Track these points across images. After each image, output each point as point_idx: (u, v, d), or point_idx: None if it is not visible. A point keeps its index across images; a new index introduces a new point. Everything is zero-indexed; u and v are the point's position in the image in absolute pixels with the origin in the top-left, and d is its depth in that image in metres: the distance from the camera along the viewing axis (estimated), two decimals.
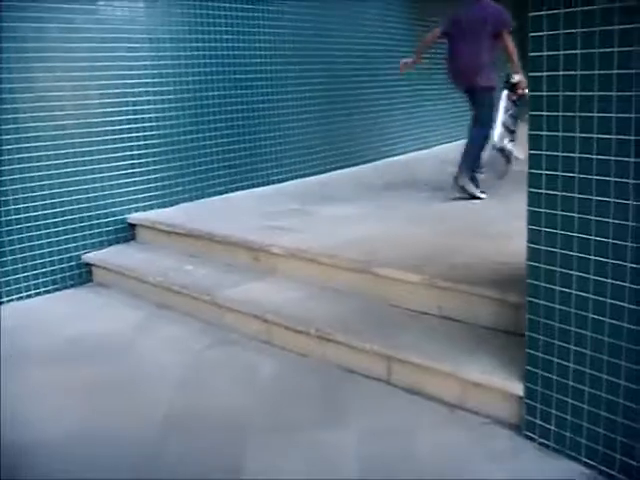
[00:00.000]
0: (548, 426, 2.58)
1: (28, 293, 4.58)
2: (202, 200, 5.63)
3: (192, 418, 2.97)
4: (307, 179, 6.64)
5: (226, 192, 5.85)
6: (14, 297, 4.51)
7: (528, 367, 2.61)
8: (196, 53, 5.47)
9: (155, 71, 5.18)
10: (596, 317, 2.34)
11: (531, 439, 2.65)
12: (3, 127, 4.32)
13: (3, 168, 4.35)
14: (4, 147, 4.34)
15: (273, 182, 6.32)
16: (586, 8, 2.17)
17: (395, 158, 8.11)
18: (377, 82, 7.80)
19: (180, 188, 5.47)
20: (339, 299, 3.74)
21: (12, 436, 2.85)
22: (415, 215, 4.87)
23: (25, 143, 4.44)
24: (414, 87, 8.63)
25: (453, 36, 5.45)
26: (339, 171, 7.10)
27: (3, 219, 4.39)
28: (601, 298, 2.31)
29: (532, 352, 2.58)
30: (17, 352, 3.71)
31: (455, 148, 9.14)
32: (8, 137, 4.35)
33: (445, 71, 5.63)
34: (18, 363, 3.57)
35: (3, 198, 4.37)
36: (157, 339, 3.87)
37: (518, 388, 2.69)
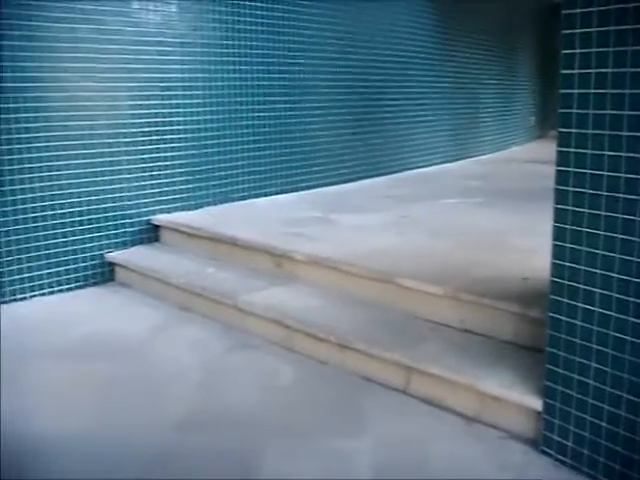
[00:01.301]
0: (565, 442, 2.58)
1: (51, 289, 4.63)
2: (226, 204, 5.67)
3: (209, 420, 2.99)
4: (331, 188, 6.67)
5: (250, 197, 5.89)
6: (37, 293, 4.57)
7: (547, 382, 2.62)
8: (226, 59, 5.52)
9: (185, 75, 5.24)
10: (618, 335, 2.34)
11: (548, 454, 2.65)
12: (34, 125, 4.38)
13: (32, 165, 4.41)
14: (34, 145, 4.40)
15: (297, 189, 6.36)
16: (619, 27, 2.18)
17: (419, 170, 8.13)
18: (404, 94, 7.83)
19: (205, 192, 5.51)
20: (360, 308, 3.75)
21: (27, 430, 2.89)
22: (438, 227, 4.88)
23: (54, 141, 4.51)
24: (440, 100, 8.65)
25: None
26: (363, 181, 7.12)
27: (30, 216, 4.45)
28: (623, 316, 2.31)
29: (552, 368, 2.59)
30: (37, 347, 3.76)
31: (476, 164, 9.21)
32: (38, 135, 4.42)
33: None
34: (37, 358, 3.62)
35: (31, 195, 4.43)
36: (177, 340, 3.90)
37: (536, 403, 2.69)
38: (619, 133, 2.24)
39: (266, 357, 3.65)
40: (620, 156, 2.25)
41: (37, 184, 4.45)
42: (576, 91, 2.33)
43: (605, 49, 2.23)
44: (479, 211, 5.55)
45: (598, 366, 2.43)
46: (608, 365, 2.40)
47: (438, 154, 8.79)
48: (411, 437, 2.86)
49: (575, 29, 2.29)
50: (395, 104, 7.72)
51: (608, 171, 2.29)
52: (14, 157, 4.32)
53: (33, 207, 4.46)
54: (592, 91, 2.29)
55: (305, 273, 4.20)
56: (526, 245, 4.11)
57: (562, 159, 2.42)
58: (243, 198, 5.83)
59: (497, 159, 9.90)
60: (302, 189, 6.42)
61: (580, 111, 2.33)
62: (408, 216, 5.31)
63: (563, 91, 2.38)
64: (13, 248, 4.42)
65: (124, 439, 2.83)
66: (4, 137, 4.27)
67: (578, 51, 2.30)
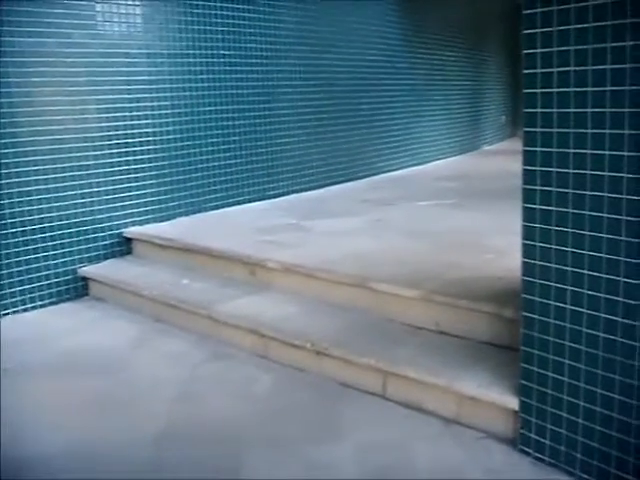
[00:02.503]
0: (543, 440, 2.59)
1: (24, 307, 4.58)
2: (199, 215, 5.64)
3: (188, 432, 2.97)
4: (303, 194, 6.66)
5: (222, 207, 5.86)
6: (10, 310, 4.51)
7: (523, 381, 2.62)
8: (192, 68, 5.50)
9: (152, 86, 5.21)
10: (590, 332, 2.36)
11: (526, 453, 2.66)
12: (1, 141, 4.33)
13: (2, 182, 4.36)
14: (2, 161, 4.35)
15: (269, 197, 6.34)
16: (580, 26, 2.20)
17: (391, 174, 8.14)
18: (373, 98, 7.84)
19: (176, 202, 5.48)
20: (335, 314, 3.75)
21: (7, 451, 2.84)
22: (411, 230, 4.89)
23: (23, 157, 4.46)
24: (409, 103, 8.69)
25: None
26: (335, 186, 7.11)
27: (0, 232, 4.40)
28: (595, 313, 2.33)
29: (527, 366, 2.60)
30: (13, 365, 3.70)
31: (449, 164, 9.25)
32: (6, 151, 4.36)
33: None
34: (14, 376, 3.57)
35: (0, 212, 4.38)
36: (153, 353, 3.87)
37: (513, 402, 2.70)
38: (583, 131, 2.26)
39: (243, 366, 3.63)
40: (585, 153, 2.26)
41: (6, 200, 4.40)
42: (539, 90, 2.35)
43: (566, 48, 2.24)
44: (453, 212, 5.58)
45: (572, 363, 2.44)
46: (582, 362, 2.41)
47: (412, 156, 8.82)
48: (391, 441, 2.85)
49: (536, 29, 2.31)
50: (367, 108, 7.73)
51: (574, 169, 2.30)
52: None
53: (3, 224, 4.40)
54: (555, 90, 2.30)
55: (279, 281, 4.19)
56: (500, 245, 4.12)
57: (528, 158, 2.44)
58: (215, 207, 5.80)
59: (469, 159, 9.96)
60: (275, 196, 6.41)
61: (544, 110, 2.35)
62: (383, 219, 5.32)
63: (527, 90, 2.40)
64: None
65: (103, 455, 2.80)
66: None
67: (539, 51, 2.31)
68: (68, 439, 2.93)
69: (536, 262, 2.48)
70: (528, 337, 2.57)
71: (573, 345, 2.42)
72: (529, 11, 2.32)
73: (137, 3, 5.06)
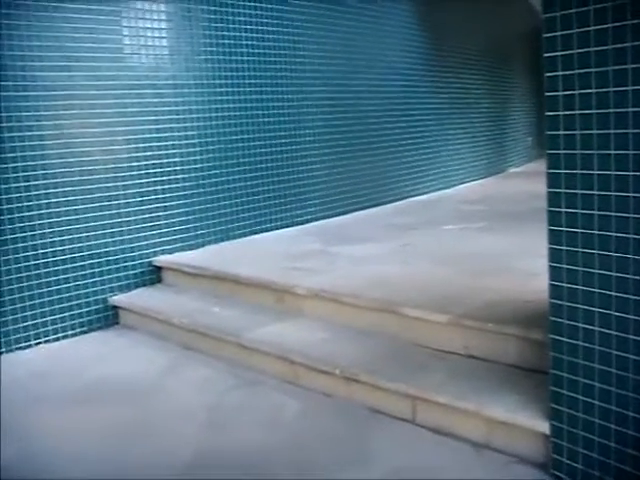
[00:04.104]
0: (575, 465, 2.56)
1: (56, 336, 4.63)
2: (227, 242, 5.68)
3: (217, 460, 2.97)
4: (330, 220, 6.68)
5: (250, 234, 5.90)
6: (42, 339, 4.56)
7: (553, 405, 2.60)
8: (218, 98, 5.57)
9: (179, 116, 5.28)
10: (619, 353, 2.34)
11: (558, 478, 2.63)
12: (32, 173, 4.42)
13: (32, 213, 4.44)
14: (33, 193, 4.44)
15: (297, 223, 6.37)
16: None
17: (417, 198, 8.14)
18: (399, 122, 7.87)
19: (205, 230, 5.53)
20: (364, 339, 3.74)
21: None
22: (438, 254, 4.88)
23: (53, 188, 4.54)
24: (434, 127, 8.70)
25: None
26: (362, 212, 7.13)
27: (32, 263, 4.47)
28: (623, 334, 2.31)
29: (557, 390, 2.57)
30: (43, 394, 3.75)
31: (475, 187, 9.23)
32: (37, 183, 4.45)
33: None
34: (44, 405, 3.61)
35: (32, 242, 4.45)
36: (183, 380, 3.89)
37: (544, 426, 2.67)
38: (607, 152, 2.25)
39: (272, 393, 3.63)
40: (609, 175, 2.26)
41: (38, 231, 4.47)
42: (561, 113, 2.35)
43: (587, 70, 2.25)
44: (481, 236, 5.56)
45: (602, 386, 2.41)
46: (612, 384, 2.39)
47: (438, 180, 8.82)
48: (421, 467, 2.84)
49: (556, 52, 2.32)
50: (393, 132, 7.76)
51: (598, 190, 2.30)
52: (13, 205, 4.35)
53: (35, 254, 4.48)
54: (577, 112, 2.31)
55: (307, 307, 4.20)
56: (528, 267, 4.10)
57: (553, 180, 2.44)
58: (243, 235, 5.84)
59: (496, 182, 9.93)
60: (302, 222, 6.44)
61: (567, 132, 2.35)
62: (410, 244, 5.31)
63: (549, 113, 2.41)
64: (16, 296, 4.43)
65: None
66: (3, 186, 4.30)
67: (561, 73, 2.32)
68: (95, 467, 2.95)
69: (563, 284, 2.47)
70: (557, 360, 2.55)
71: (603, 367, 2.40)
72: (549, 34, 2.34)
73: (164, 35, 5.16)
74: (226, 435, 3.20)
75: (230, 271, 4.69)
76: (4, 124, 4.28)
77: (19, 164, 4.36)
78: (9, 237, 4.36)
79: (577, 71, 2.28)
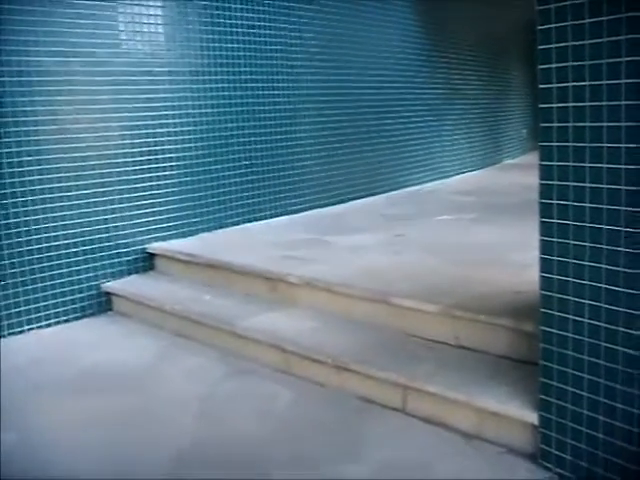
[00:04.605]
0: (564, 455, 2.58)
1: (48, 322, 4.63)
2: (220, 230, 5.68)
3: (210, 449, 2.98)
4: (324, 209, 6.68)
5: (244, 222, 5.91)
6: (34, 325, 4.57)
7: (542, 396, 2.62)
8: (214, 85, 5.56)
9: (174, 103, 5.28)
10: (609, 345, 2.35)
11: (547, 469, 2.65)
12: (26, 159, 4.41)
13: (26, 199, 4.43)
14: (27, 178, 4.43)
15: (290, 212, 6.37)
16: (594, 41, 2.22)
17: (411, 188, 8.14)
18: (394, 113, 7.87)
19: (199, 219, 5.53)
20: (356, 329, 3.76)
21: (28, 467, 2.89)
22: (430, 245, 4.89)
23: (47, 174, 4.53)
24: (429, 118, 8.70)
25: None
26: (356, 201, 7.13)
27: (25, 248, 4.47)
28: (613, 326, 2.32)
29: (546, 381, 2.59)
30: (36, 381, 3.75)
31: (470, 178, 9.24)
32: (31, 168, 4.44)
33: None
34: (37, 392, 3.62)
35: (25, 228, 4.45)
36: (175, 368, 3.89)
37: (533, 417, 2.69)
38: (599, 145, 2.26)
39: (264, 382, 3.64)
40: (601, 168, 2.27)
41: (32, 217, 4.47)
42: (555, 105, 2.36)
43: (581, 63, 2.25)
44: (473, 227, 5.57)
45: (591, 377, 2.43)
46: (601, 376, 2.40)
47: (433, 171, 8.81)
48: (413, 457, 2.85)
49: (550, 44, 2.32)
50: (388, 122, 7.76)
51: (590, 182, 2.31)
52: (7, 191, 4.35)
53: (28, 240, 4.47)
54: (571, 104, 2.31)
55: (300, 296, 4.21)
56: (520, 259, 4.11)
57: (545, 173, 2.45)
58: (237, 223, 5.84)
59: (490, 173, 9.94)
60: (296, 212, 6.44)
61: (560, 124, 2.36)
62: (403, 234, 5.32)
63: (543, 105, 2.41)
64: (9, 281, 4.43)
65: (125, 472, 2.82)
66: None
67: (554, 65, 2.33)
68: (87, 456, 2.96)
69: (554, 276, 2.48)
70: (547, 351, 2.57)
71: (592, 359, 2.41)
72: (544, 27, 2.34)
73: (159, 22, 5.14)
74: (218, 425, 3.21)
75: (223, 259, 4.70)
76: None
77: (13, 149, 4.35)
78: (2, 222, 4.35)
79: (571, 63, 2.28)
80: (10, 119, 4.32)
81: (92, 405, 3.44)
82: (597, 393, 2.42)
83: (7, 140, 4.32)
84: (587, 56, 2.24)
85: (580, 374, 2.46)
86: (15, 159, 4.36)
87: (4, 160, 4.32)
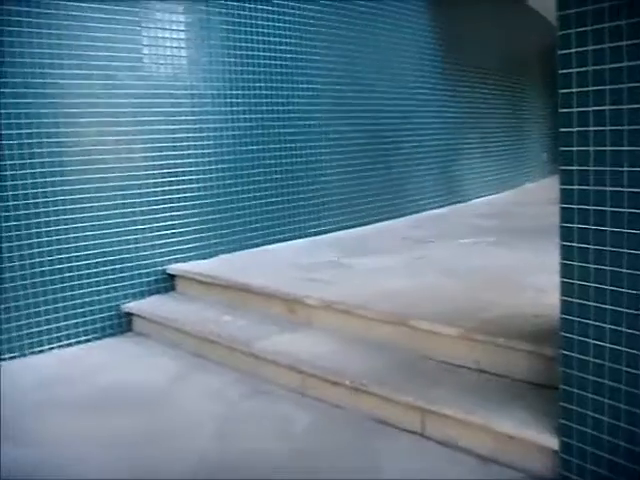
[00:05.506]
0: None
1: (68, 341, 4.66)
2: (240, 252, 5.70)
3: (226, 469, 2.98)
4: (344, 232, 6.69)
5: (264, 244, 5.92)
6: (55, 345, 4.60)
7: (562, 421, 2.60)
8: (235, 108, 5.61)
9: (196, 126, 5.33)
10: (630, 370, 2.33)
11: None
12: (50, 179, 4.46)
13: (49, 219, 4.48)
14: (51, 199, 4.48)
15: (310, 234, 6.38)
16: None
17: (432, 211, 8.14)
18: (415, 136, 7.89)
19: (219, 240, 5.56)
20: (374, 351, 3.74)
21: None
22: (451, 268, 4.88)
23: (70, 195, 4.58)
24: (450, 141, 8.71)
25: None
26: (376, 224, 7.13)
27: (47, 268, 4.51)
28: (634, 351, 2.31)
29: (566, 405, 2.57)
30: (55, 400, 3.77)
31: (490, 201, 9.23)
32: (54, 189, 4.50)
33: None
34: (55, 410, 3.63)
35: (47, 248, 4.49)
36: (193, 389, 3.90)
37: (553, 442, 2.67)
38: (620, 169, 2.26)
39: (281, 403, 3.64)
40: (622, 192, 2.26)
41: (54, 237, 4.52)
42: (575, 129, 2.36)
43: (601, 87, 2.26)
44: (493, 250, 5.56)
45: (611, 402, 2.41)
46: (622, 401, 2.38)
47: (453, 194, 8.81)
48: None
49: (571, 68, 2.33)
50: (409, 146, 7.78)
51: (611, 207, 2.30)
52: (30, 211, 4.40)
53: (50, 260, 4.52)
54: (591, 129, 2.32)
55: (319, 318, 4.21)
56: (540, 283, 4.09)
57: (565, 196, 2.44)
58: (257, 245, 5.86)
59: (511, 196, 9.92)
60: (317, 234, 6.45)
61: (580, 148, 2.36)
62: (423, 257, 5.32)
63: (563, 129, 2.41)
64: (30, 301, 4.46)
65: None
66: (21, 192, 4.35)
67: (575, 90, 2.33)
68: (103, 474, 2.96)
69: (574, 300, 2.47)
70: (567, 375, 2.55)
71: (612, 384, 2.40)
72: (564, 51, 2.35)
73: (182, 45, 5.20)
74: (234, 445, 3.21)
75: (242, 281, 4.71)
76: (24, 130, 4.33)
77: (37, 170, 4.40)
78: (25, 242, 4.40)
79: (591, 88, 2.29)
80: (35, 140, 4.38)
81: (110, 424, 3.45)
82: (618, 418, 2.40)
83: (32, 161, 4.38)
84: (608, 80, 2.25)
85: (601, 399, 2.44)
86: (39, 179, 4.42)
87: (29, 181, 4.37)
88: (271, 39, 5.89)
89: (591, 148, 2.34)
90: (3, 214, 4.30)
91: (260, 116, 5.83)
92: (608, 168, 2.30)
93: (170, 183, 5.16)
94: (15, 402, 3.71)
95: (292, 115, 6.15)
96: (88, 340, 4.76)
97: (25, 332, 4.46)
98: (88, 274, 4.73)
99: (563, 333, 2.55)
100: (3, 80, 4.23)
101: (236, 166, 5.66)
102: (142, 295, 5.07)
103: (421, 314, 3.73)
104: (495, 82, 9.98)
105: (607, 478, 2.47)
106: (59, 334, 4.62)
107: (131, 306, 4.96)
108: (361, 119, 6.99)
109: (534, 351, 3.15)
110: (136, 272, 5.02)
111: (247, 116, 5.72)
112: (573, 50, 2.32)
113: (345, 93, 6.76)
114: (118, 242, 4.88)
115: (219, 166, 5.52)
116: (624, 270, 2.30)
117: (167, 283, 5.23)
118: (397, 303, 3.96)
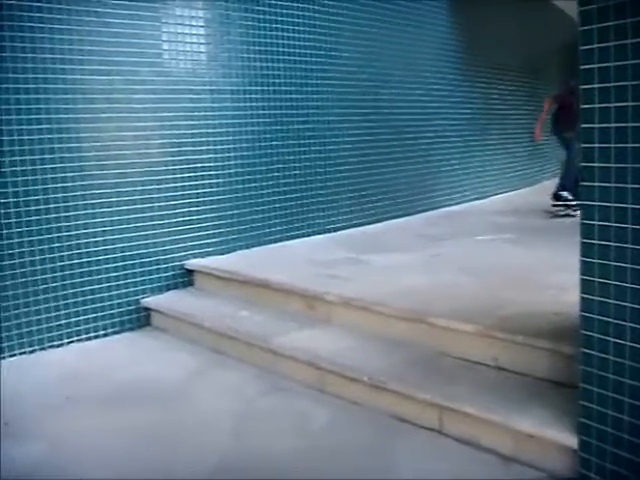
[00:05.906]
0: None
1: (87, 336, 4.69)
2: (258, 247, 5.72)
3: (243, 466, 2.98)
4: (362, 228, 6.68)
5: (282, 240, 5.93)
6: (74, 339, 4.63)
7: (582, 419, 2.58)
8: (254, 104, 5.62)
9: (215, 121, 5.34)
10: None
11: None
12: (70, 175, 4.49)
13: (68, 214, 4.51)
14: (70, 194, 4.51)
15: (328, 231, 6.39)
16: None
17: (449, 208, 8.12)
18: (432, 132, 7.87)
19: (237, 236, 5.57)
20: (392, 348, 3.74)
21: (58, 476, 2.91)
22: (467, 265, 4.86)
23: (89, 190, 4.61)
24: (468, 137, 8.67)
25: None
26: (394, 220, 7.13)
27: (66, 263, 4.54)
28: None
29: (586, 404, 2.56)
30: (73, 394, 3.79)
31: (508, 199, 9.18)
32: (74, 184, 4.52)
33: None
34: (73, 404, 3.66)
35: (67, 243, 4.52)
36: (211, 384, 3.91)
37: (572, 441, 2.65)
38: None
39: (299, 400, 3.64)
40: None
41: (73, 232, 4.55)
42: (597, 125, 2.34)
43: (624, 83, 2.24)
44: (511, 247, 5.53)
45: (632, 401, 2.39)
46: None
47: (471, 191, 8.78)
48: (448, 478, 2.82)
49: (593, 64, 2.31)
50: (426, 142, 7.75)
51: (632, 204, 2.28)
52: (50, 206, 4.43)
53: (70, 254, 4.55)
54: (613, 125, 2.30)
55: (337, 314, 4.21)
56: (558, 280, 4.06)
57: (586, 193, 2.43)
58: (275, 241, 5.87)
59: (528, 193, 9.85)
60: (335, 230, 6.45)
61: (602, 145, 2.34)
62: (440, 254, 5.30)
63: (584, 125, 2.39)
64: (50, 295, 4.50)
65: None
66: (41, 187, 4.38)
67: (597, 86, 2.32)
68: (120, 470, 2.97)
69: (594, 298, 2.45)
70: (587, 374, 2.54)
71: (633, 383, 2.38)
72: (586, 47, 2.33)
73: (202, 41, 5.21)
74: (252, 441, 3.21)
75: (260, 276, 4.72)
76: (44, 126, 4.36)
77: (57, 165, 4.43)
78: (45, 237, 4.43)
79: (613, 84, 2.27)
80: (55, 135, 4.41)
81: (125, 419, 3.47)
82: (638, 417, 2.38)
83: (51, 156, 4.40)
84: (630, 76, 2.23)
85: (621, 397, 2.43)
86: (59, 174, 4.45)
87: (48, 175, 4.40)
88: (290, 35, 5.89)
89: (612, 145, 2.32)
90: (24, 209, 4.33)
91: (279, 112, 5.84)
92: (630, 165, 2.28)
93: (189, 179, 5.17)
94: (34, 396, 3.74)
95: (311, 111, 6.15)
96: (107, 334, 4.79)
97: (45, 326, 4.49)
98: (107, 269, 4.76)
99: (583, 331, 2.53)
100: (24, 76, 4.26)
101: (255, 162, 5.67)
102: (160, 290, 5.09)
103: (439, 311, 3.72)
104: (515, 79, 9.92)
105: (626, 477, 2.45)
106: (78, 328, 4.65)
107: (149, 301, 4.98)
108: (380, 116, 6.97)
109: (553, 349, 3.13)
110: (155, 267, 5.04)
111: (266, 112, 5.72)
112: (595, 46, 2.31)
113: (364, 90, 6.74)
114: (137, 237, 4.90)
115: (238, 162, 5.53)
116: None
117: (185, 278, 5.25)
118: (415, 300, 3.95)
